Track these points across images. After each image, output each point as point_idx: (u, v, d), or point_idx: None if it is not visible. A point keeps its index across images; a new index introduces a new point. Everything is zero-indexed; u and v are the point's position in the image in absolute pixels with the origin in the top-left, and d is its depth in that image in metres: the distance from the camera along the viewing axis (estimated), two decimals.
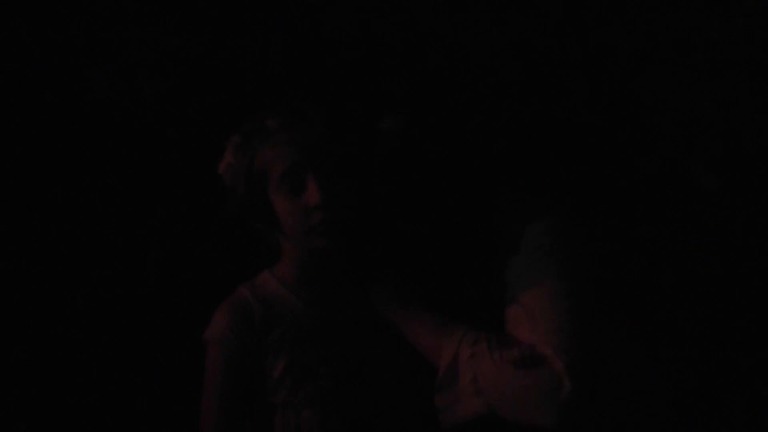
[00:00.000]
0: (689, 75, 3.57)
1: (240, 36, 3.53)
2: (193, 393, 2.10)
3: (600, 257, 3.59)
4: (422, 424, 2.07)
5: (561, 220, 2.06)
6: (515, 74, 3.63)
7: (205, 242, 3.44)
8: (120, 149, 3.43)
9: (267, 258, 2.17)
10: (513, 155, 3.64)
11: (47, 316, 3.27)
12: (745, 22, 3.47)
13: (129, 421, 3.16)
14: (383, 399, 2.03)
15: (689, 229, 3.62)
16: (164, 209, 3.48)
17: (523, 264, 2.00)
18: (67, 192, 3.36)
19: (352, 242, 2.11)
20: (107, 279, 3.33)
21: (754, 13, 3.47)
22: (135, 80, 3.47)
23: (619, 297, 3.62)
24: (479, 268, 2.43)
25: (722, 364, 3.57)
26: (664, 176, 3.64)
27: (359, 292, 2.11)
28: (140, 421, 3.15)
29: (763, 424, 3.49)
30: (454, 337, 1.96)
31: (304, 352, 2.01)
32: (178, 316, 3.25)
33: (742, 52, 3.53)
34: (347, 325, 2.06)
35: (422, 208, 2.19)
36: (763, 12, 3.47)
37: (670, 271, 3.62)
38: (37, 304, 3.26)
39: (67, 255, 3.31)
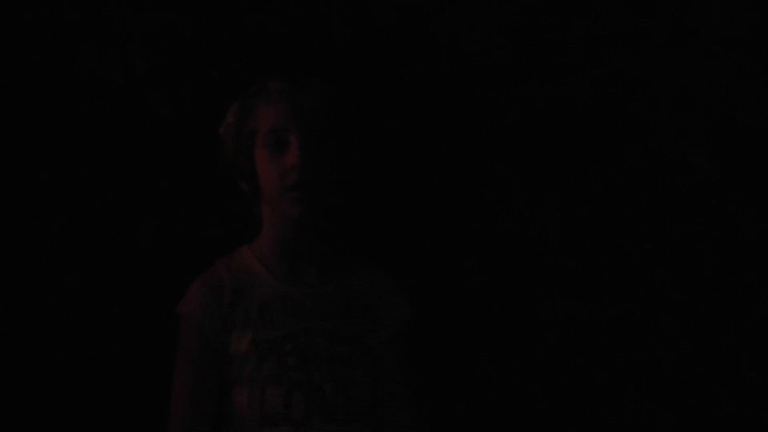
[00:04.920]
0: (686, 58, 3.55)
1: (234, 12, 3.52)
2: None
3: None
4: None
5: None
6: (507, 60, 3.63)
7: (198, 220, 3.45)
8: (112, 127, 3.43)
9: (251, 236, 2.17)
10: (507, 145, 3.64)
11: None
12: (743, 3, 3.44)
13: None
14: (349, 378, 2.02)
15: (689, 219, 3.61)
16: (156, 188, 3.48)
17: None
18: (58, 171, 3.36)
19: (328, 219, 2.10)
20: (97, 259, 3.33)
21: None
22: (127, 57, 3.46)
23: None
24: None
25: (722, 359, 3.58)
26: (661, 160, 3.62)
27: (337, 271, 2.10)
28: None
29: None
30: None
31: (269, 328, 2.00)
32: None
33: (740, 35, 3.51)
34: (317, 303, 2.04)
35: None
36: None
37: (669, 263, 3.63)
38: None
39: (57, 233, 3.31)
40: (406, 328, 2.14)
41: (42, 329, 3.23)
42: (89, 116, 3.40)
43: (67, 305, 3.27)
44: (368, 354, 2.04)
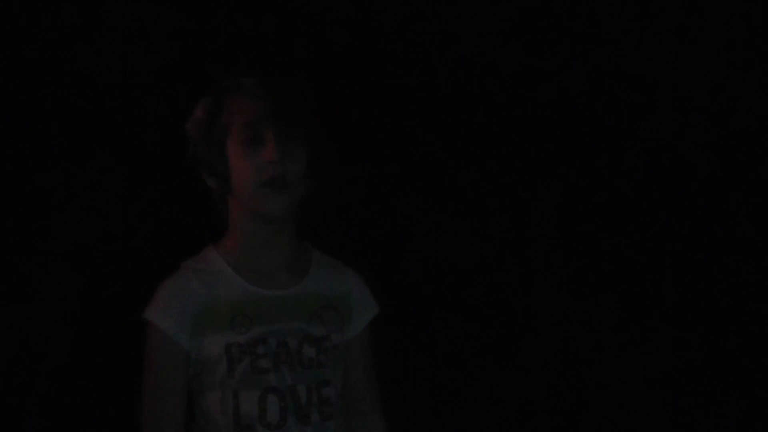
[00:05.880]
0: (685, 58, 3.53)
1: (231, 12, 3.53)
2: None
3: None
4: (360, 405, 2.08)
5: None
6: (504, 58, 3.62)
7: (198, 217, 3.44)
8: (111, 125, 3.44)
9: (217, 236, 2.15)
10: (505, 143, 3.64)
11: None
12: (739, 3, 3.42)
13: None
14: (321, 379, 2.00)
15: (687, 217, 3.60)
16: (154, 184, 3.49)
17: None
18: (57, 166, 3.37)
19: (300, 216, 2.07)
20: (93, 252, 3.34)
21: None
22: (126, 56, 3.47)
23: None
24: None
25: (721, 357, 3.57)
26: (659, 158, 3.61)
27: (305, 271, 2.07)
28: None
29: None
30: None
31: (240, 332, 1.98)
32: None
33: (739, 35, 3.49)
34: (287, 304, 2.02)
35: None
36: None
37: (667, 261, 3.61)
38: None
39: (53, 227, 3.32)
40: (371, 326, 2.13)
41: (39, 328, 3.25)
42: (87, 115, 3.41)
43: (64, 304, 3.29)
44: (337, 353, 2.02)
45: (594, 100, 3.62)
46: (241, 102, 1.98)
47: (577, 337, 3.65)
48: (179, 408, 1.96)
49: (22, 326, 3.25)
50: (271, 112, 1.96)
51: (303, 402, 1.95)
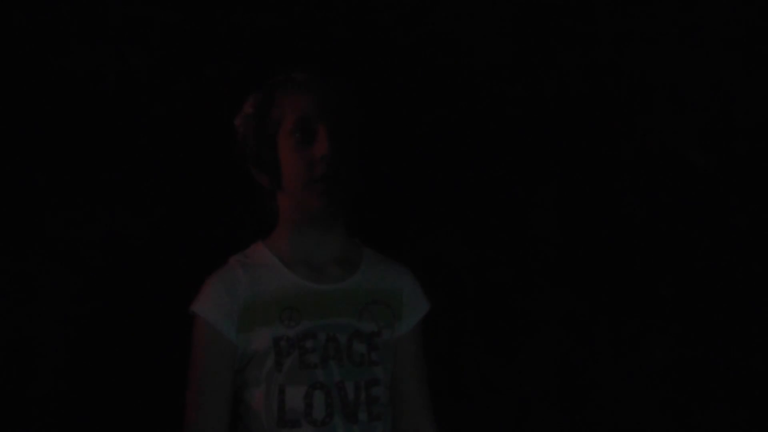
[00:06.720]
0: (682, 56, 3.56)
1: (228, 11, 3.50)
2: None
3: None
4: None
5: None
6: (503, 56, 3.62)
7: (194, 218, 3.42)
8: (107, 125, 3.40)
9: (264, 233, 2.12)
10: (504, 142, 3.64)
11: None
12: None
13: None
14: (370, 376, 1.98)
15: (682, 210, 3.62)
16: (152, 186, 3.45)
17: None
18: (53, 168, 3.32)
19: (348, 212, 2.06)
20: (92, 253, 3.30)
21: None
22: (121, 55, 3.43)
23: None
24: None
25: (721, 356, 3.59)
26: (656, 157, 3.63)
27: (356, 266, 2.05)
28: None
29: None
30: None
31: (289, 326, 1.95)
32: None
33: (736, 33, 3.52)
34: (338, 299, 2.00)
35: None
36: None
37: (665, 254, 3.63)
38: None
39: (52, 228, 3.27)
40: (422, 323, 2.11)
41: (40, 329, 3.21)
42: (83, 115, 3.36)
43: (64, 304, 3.25)
44: (387, 350, 2.00)
45: (592, 99, 3.63)
46: (292, 97, 1.97)
47: (576, 336, 3.65)
48: (226, 402, 1.93)
49: (21, 327, 3.20)
50: (323, 107, 1.95)
51: (350, 399, 1.92)
